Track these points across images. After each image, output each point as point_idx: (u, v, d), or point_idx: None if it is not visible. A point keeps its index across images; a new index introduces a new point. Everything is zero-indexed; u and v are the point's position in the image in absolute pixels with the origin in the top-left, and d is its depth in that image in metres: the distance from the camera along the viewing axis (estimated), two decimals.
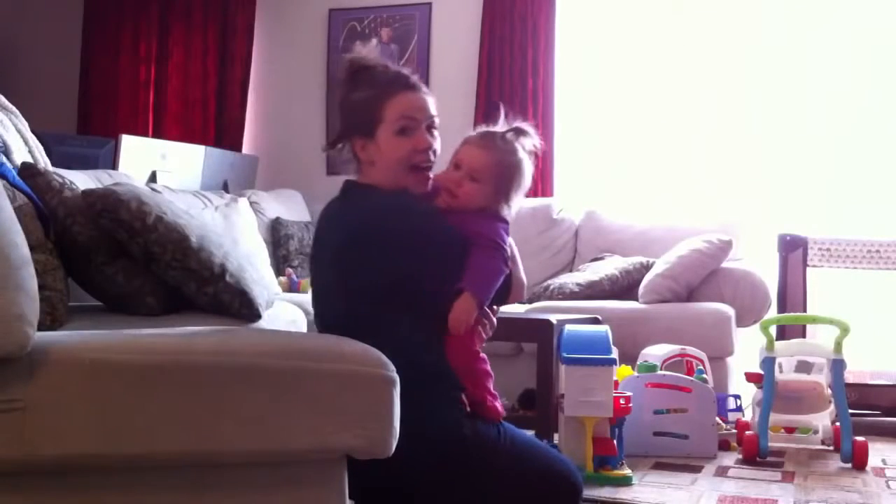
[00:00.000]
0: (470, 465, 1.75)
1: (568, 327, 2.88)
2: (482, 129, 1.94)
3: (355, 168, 1.91)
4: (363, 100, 1.87)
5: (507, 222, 1.88)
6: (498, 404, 1.87)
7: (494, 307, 1.93)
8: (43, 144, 2.77)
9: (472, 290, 1.77)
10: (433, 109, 1.88)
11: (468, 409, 1.81)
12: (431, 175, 1.87)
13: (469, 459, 1.76)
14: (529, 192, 5.56)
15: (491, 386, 1.88)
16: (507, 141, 1.90)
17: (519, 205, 1.94)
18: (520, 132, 1.91)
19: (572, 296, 4.05)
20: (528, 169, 1.90)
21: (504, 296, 1.87)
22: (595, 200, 4.83)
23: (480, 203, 1.86)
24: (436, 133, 1.88)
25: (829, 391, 3.14)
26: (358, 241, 1.78)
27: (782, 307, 3.96)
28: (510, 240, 1.89)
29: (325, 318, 1.87)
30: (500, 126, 1.93)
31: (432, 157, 1.86)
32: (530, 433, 2.24)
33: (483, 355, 1.90)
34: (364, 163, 1.88)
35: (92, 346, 1.30)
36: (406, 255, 1.75)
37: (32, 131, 2.72)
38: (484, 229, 1.82)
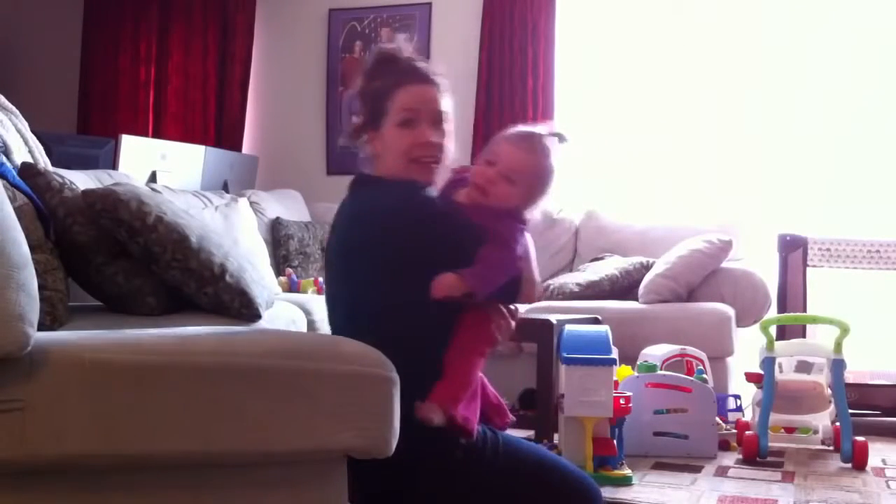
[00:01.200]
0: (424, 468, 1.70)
1: (568, 327, 2.88)
2: (522, 127, 1.87)
3: (369, 160, 1.87)
4: (374, 90, 1.84)
5: (525, 222, 1.81)
6: (470, 421, 1.70)
7: (515, 308, 1.87)
8: (43, 144, 2.76)
9: (466, 275, 1.67)
10: (443, 105, 1.83)
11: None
12: (436, 169, 1.82)
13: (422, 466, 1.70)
14: None
15: (478, 399, 1.76)
16: (547, 145, 1.83)
17: (542, 208, 1.88)
18: (561, 138, 1.85)
19: (572, 296, 4.06)
20: (559, 175, 1.83)
21: (513, 294, 1.81)
22: (595, 200, 4.83)
23: (510, 204, 1.79)
24: (446, 129, 1.83)
25: (829, 391, 3.14)
26: (364, 229, 1.76)
27: (782, 307, 3.97)
28: (528, 238, 1.83)
29: (334, 307, 1.84)
30: (540, 128, 1.86)
31: (437, 153, 1.81)
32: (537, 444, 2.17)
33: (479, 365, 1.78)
34: (374, 155, 1.86)
35: (92, 346, 1.30)
36: (414, 246, 1.71)
37: (32, 131, 2.72)
38: (498, 226, 1.75)
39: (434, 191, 1.83)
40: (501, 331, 1.82)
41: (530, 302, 1.90)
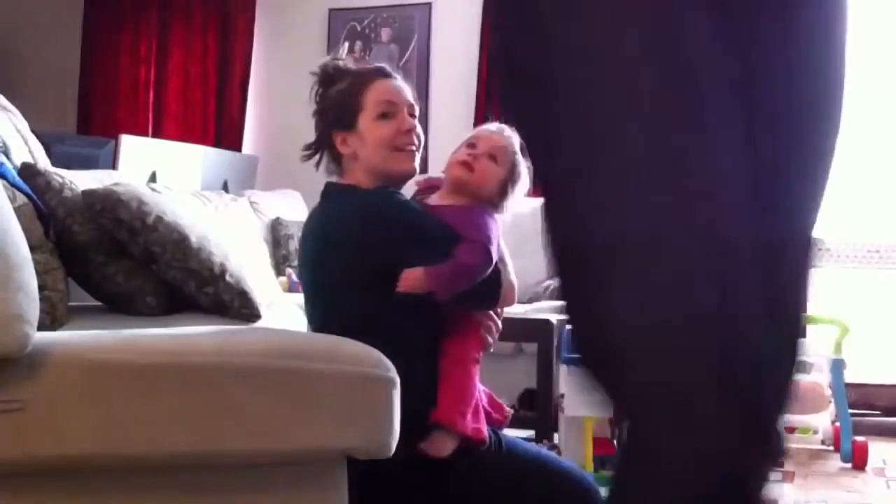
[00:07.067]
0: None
1: (568, 327, 2.88)
2: (496, 123, 1.92)
3: (335, 170, 1.89)
4: (341, 92, 1.86)
5: (496, 220, 1.81)
6: (480, 430, 1.71)
7: (499, 310, 1.87)
8: (43, 144, 2.76)
9: (430, 272, 1.68)
10: (411, 98, 1.88)
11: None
12: (416, 156, 1.84)
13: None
14: (529, 192, 5.55)
15: (481, 403, 1.76)
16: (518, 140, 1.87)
17: (515, 205, 1.89)
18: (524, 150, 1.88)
19: None
20: (526, 177, 1.87)
21: (490, 298, 1.80)
22: None
23: (492, 184, 1.81)
24: (416, 121, 1.87)
25: (829, 391, 3.14)
26: (338, 239, 1.76)
27: None
28: (500, 242, 1.82)
29: (313, 322, 1.85)
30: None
31: (416, 140, 1.84)
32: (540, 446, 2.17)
33: (474, 369, 1.77)
34: (346, 157, 1.85)
35: (92, 346, 1.30)
36: (390, 251, 1.72)
37: (32, 131, 2.72)
38: (474, 226, 1.75)
39: (414, 176, 1.85)
40: (491, 333, 1.83)
41: (509, 305, 1.89)
